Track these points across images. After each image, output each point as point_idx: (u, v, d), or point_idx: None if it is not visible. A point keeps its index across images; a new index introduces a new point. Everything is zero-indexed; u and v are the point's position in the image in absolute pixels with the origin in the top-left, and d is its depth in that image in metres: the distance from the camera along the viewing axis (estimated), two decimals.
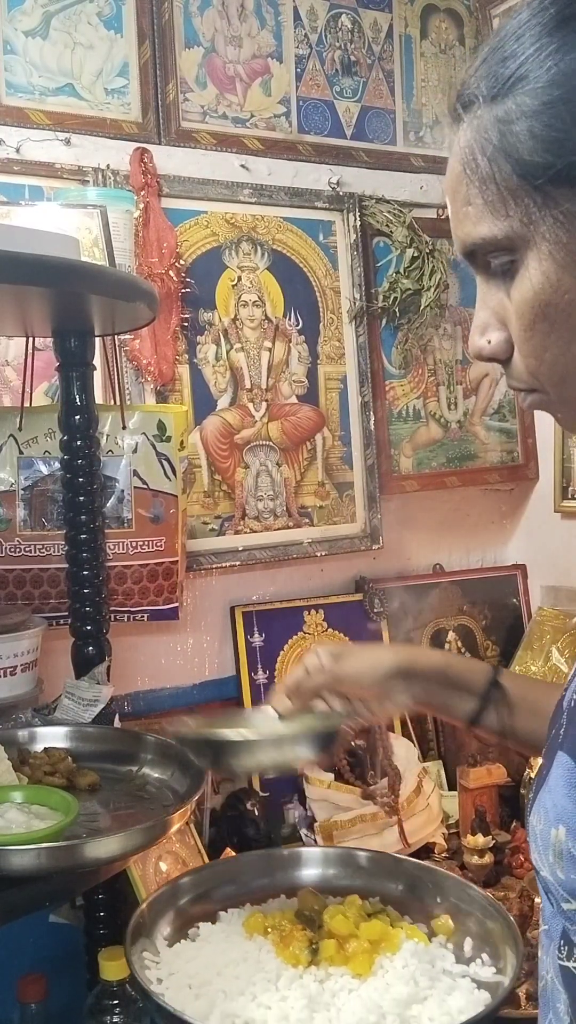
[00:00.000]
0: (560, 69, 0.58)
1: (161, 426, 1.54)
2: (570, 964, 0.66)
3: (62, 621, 1.42)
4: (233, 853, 1.51)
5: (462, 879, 1.14)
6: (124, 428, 1.52)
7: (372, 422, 1.97)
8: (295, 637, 1.89)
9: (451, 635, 2.08)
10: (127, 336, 1.66)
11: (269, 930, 1.06)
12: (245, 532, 1.83)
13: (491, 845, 1.66)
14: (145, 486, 1.53)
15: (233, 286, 1.83)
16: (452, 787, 1.88)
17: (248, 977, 0.98)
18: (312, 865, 1.19)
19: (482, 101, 0.62)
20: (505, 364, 0.67)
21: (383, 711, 1.05)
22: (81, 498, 1.35)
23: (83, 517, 1.35)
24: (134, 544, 1.53)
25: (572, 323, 0.61)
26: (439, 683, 1.01)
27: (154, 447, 1.53)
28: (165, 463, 1.54)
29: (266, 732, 1.04)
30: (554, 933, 0.68)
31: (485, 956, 1.01)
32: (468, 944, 1.04)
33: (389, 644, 1.04)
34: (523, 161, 0.59)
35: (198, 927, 1.08)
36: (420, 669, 1.01)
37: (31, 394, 1.49)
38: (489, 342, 0.66)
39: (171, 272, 1.71)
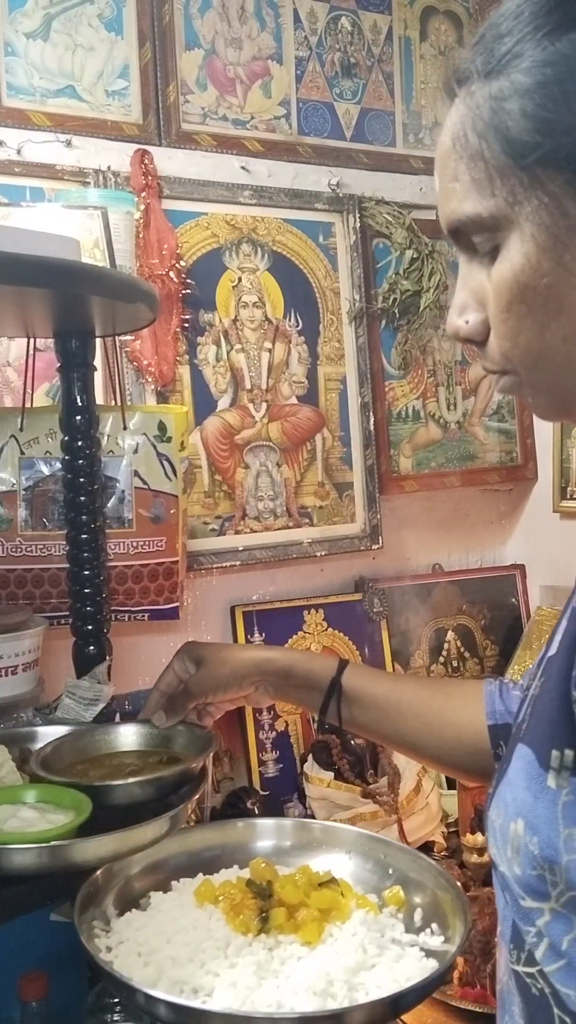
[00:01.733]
0: (556, 49, 0.57)
1: (162, 427, 1.54)
2: (520, 968, 0.65)
3: (63, 621, 1.43)
4: None
5: (414, 850, 1.14)
6: (125, 429, 1.52)
7: (372, 422, 1.98)
8: (295, 637, 1.90)
9: (450, 635, 2.09)
10: (128, 337, 1.67)
11: (220, 899, 1.05)
12: (245, 532, 1.84)
13: None
14: (146, 486, 1.54)
15: (233, 287, 1.83)
16: (451, 786, 1.88)
17: (197, 944, 0.99)
18: (267, 837, 1.20)
19: (476, 77, 0.62)
20: (480, 346, 0.67)
21: (254, 703, 1.17)
22: (82, 498, 1.35)
23: (84, 517, 1.36)
24: (135, 544, 1.54)
25: (548, 307, 0.61)
26: (288, 683, 1.10)
27: (155, 447, 1.54)
28: (166, 463, 1.54)
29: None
30: (506, 935, 0.68)
31: (435, 926, 1.02)
32: (418, 914, 1.05)
33: (246, 645, 1.17)
34: (513, 140, 0.59)
35: (150, 896, 1.09)
36: (269, 670, 1.10)
37: (32, 395, 1.49)
38: (467, 322, 0.66)
39: (171, 273, 1.72)
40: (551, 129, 0.57)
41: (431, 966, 0.96)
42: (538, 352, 0.63)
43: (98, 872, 1.07)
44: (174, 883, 1.11)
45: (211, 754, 1.17)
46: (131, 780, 1.05)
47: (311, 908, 1.03)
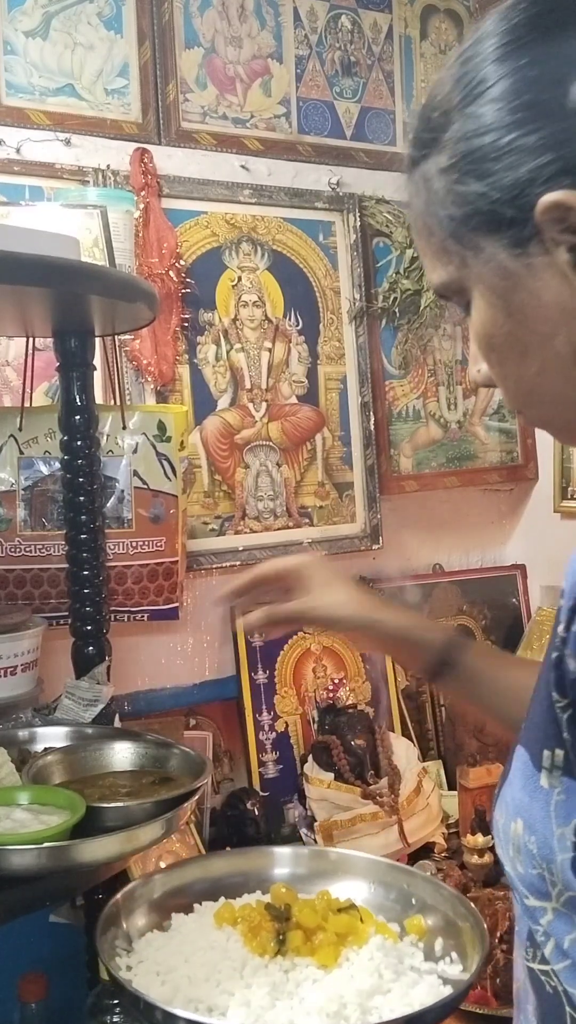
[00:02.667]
0: (464, 130, 0.63)
1: (161, 426, 1.54)
2: (535, 965, 0.66)
3: (62, 621, 1.42)
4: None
5: (436, 880, 1.15)
6: (124, 428, 1.52)
7: (372, 422, 1.97)
8: (295, 637, 1.89)
9: None
10: (127, 336, 1.67)
11: (239, 921, 1.07)
12: (245, 532, 1.83)
13: (491, 845, 1.66)
14: (145, 486, 1.53)
15: (233, 286, 1.83)
16: (452, 787, 1.88)
17: (214, 965, 1.00)
18: (290, 864, 1.21)
19: (411, 163, 0.69)
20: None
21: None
22: (81, 498, 1.35)
23: (83, 517, 1.35)
24: (134, 544, 1.53)
25: (516, 350, 0.66)
26: (401, 645, 1.06)
27: (154, 447, 1.53)
28: (165, 463, 1.54)
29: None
30: (522, 934, 0.69)
31: (454, 955, 1.03)
32: (439, 943, 1.05)
33: (359, 589, 1.10)
34: (445, 215, 0.65)
35: (171, 917, 1.10)
36: (384, 629, 1.05)
37: (31, 394, 1.49)
38: (479, 371, 0.72)
39: (171, 272, 1.71)
40: (471, 200, 0.63)
41: (446, 992, 0.96)
42: (526, 391, 0.69)
43: (119, 894, 1.08)
44: (196, 906, 1.12)
45: (207, 780, 1.17)
46: (139, 801, 1.05)
47: (328, 932, 1.04)
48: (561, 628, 0.61)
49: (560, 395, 0.66)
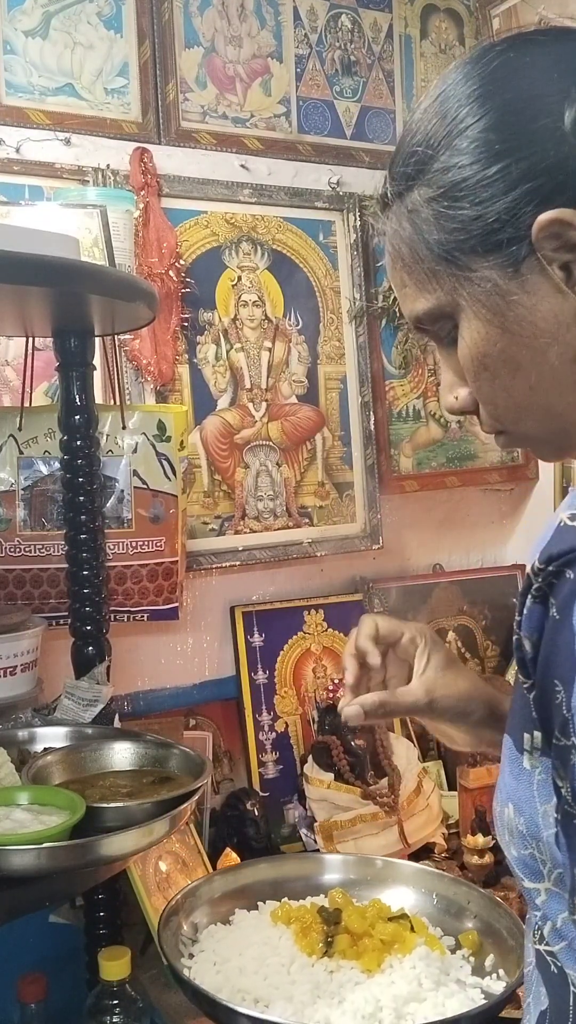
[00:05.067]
0: (453, 161, 0.68)
1: (161, 426, 1.54)
2: (540, 947, 0.68)
3: (62, 621, 1.42)
4: (233, 853, 1.51)
5: (495, 897, 1.18)
6: (124, 428, 1.52)
7: (372, 422, 1.97)
8: (295, 637, 1.89)
9: (451, 635, 2.09)
10: (127, 336, 1.66)
11: (292, 920, 1.13)
12: (245, 532, 1.83)
13: (491, 845, 1.66)
14: (145, 486, 1.53)
15: (233, 286, 1.83)
16: (452, 787, 1.88)
17: (264, 959, 1.07)
18: (354, 871, 1.27)
19: (392, 199, 0.73)
20: (476, 414, 0.76)
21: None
22: (81, 498, 1.35)
23: (83, 517, 1.35)
24: (134, 544, 1.53)
25: (509, 367, 0.69)
26: (487, 719, 0.97)
27: (154, 447, 1.53)
28: (165, 463, 1.54)
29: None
30: (531, 918, 0.71)
31: (501, 971, 1.07)
32: (490, 959, 1.10)
33: (474, 681, 0.98)
34: (433, 242, 0.69)
35: (235, 912, 1.18)
36: (502, 713, 0.92)
37: (31, 394, 1.49)
38: (456, 398, 0.76)
39: (171, 272, 1.71)
40: (464, 224, 0.67)
41: (479, 1003, 1.00)
42: (516, 408, 0.72)
43: (185, 888, 1.16)
44: (260, 904, 1.20)
45: (207, 780, 1.20)
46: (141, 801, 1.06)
47: (375, 938, 1.09)
48: (516, 613, 0.64)
49: (550, 409, 0.70)
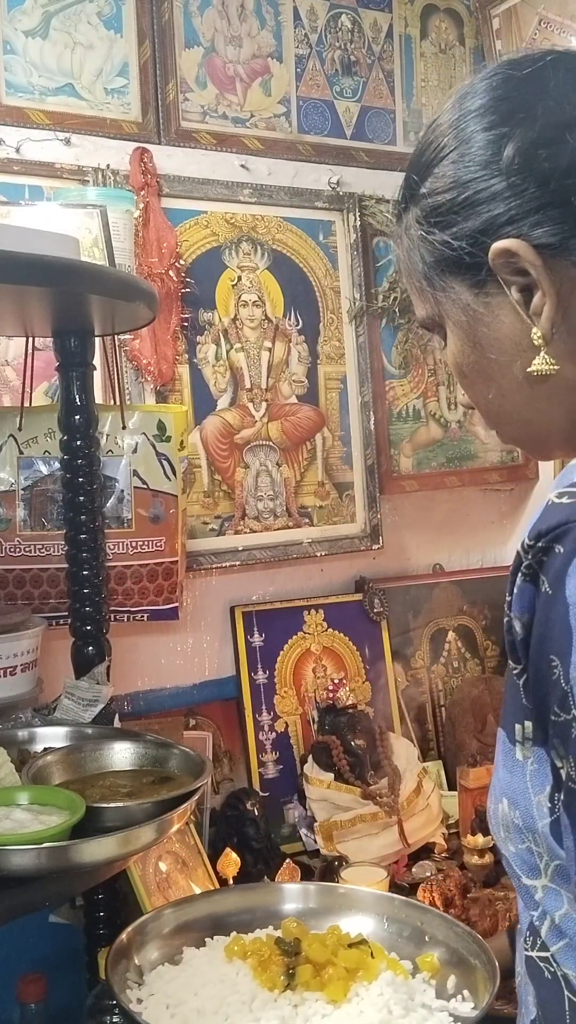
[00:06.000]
0: (432, 187, 0.73)
1: (161, 426, 1.53)
2: (534, 953, 0.68)
3: (62, 621, 1.42)
4: (233, 853, 1.51)
5: (450, 918, 1.16)
6: (124, 428, 1.52)
7: (372, 422, 1.97)
8: (295, 637, 1.89)
9: (451, 635, 2.09)
10: (127, 336, 1.66)
11: (249, 955, 1.08)
12: (245, 532, 1.83)
13: (491, 845, 1.66)
14: (145, 486, 1.53)
15: (233, 286, 1.83)
16: (452, 787, 1.88)
17: (223, 999, 1.01)
18: (301, 900, 1.23)
19: (398, 215, 0.79)
20: None
21: None
22: (81, 498, 1.35)
23: (83, 517, 1.35)
24: (134, 544, 1.53)
25: (482, 378, 0.75)
26: None
27: (154, 447, 1.53)
28: (165, 463, 1.54)
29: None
30: (523, 924, 0.71)
31: (466, 992, 1.03)
32: (451, 982, 1.06)
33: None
34: (420, 258, 0.75)
35: (183, 951, 1.11)
36: None
37: (31, 394, 1.49)
38: (464, 394, 0.81)
39: (171, 272, 1.71)
40: (438, 247, 0.73)
41: None
42: (494, 413, 0.77)
43: (130, 927, 1.10)
44: (208, 940, 1.14)
45: (207, 780, 1.17)
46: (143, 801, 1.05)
47: (338, 966, 1.04)
48: (507, 594, 0.65)
49: (522, 416, 0.75)
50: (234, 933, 1.13)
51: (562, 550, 0.60)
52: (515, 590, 0.64)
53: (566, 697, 0.59)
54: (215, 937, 1.14)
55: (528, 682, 0.64)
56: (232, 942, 1.10)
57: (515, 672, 0.65)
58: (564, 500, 0.63)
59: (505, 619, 0.65)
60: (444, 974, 1.07)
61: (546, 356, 0.70)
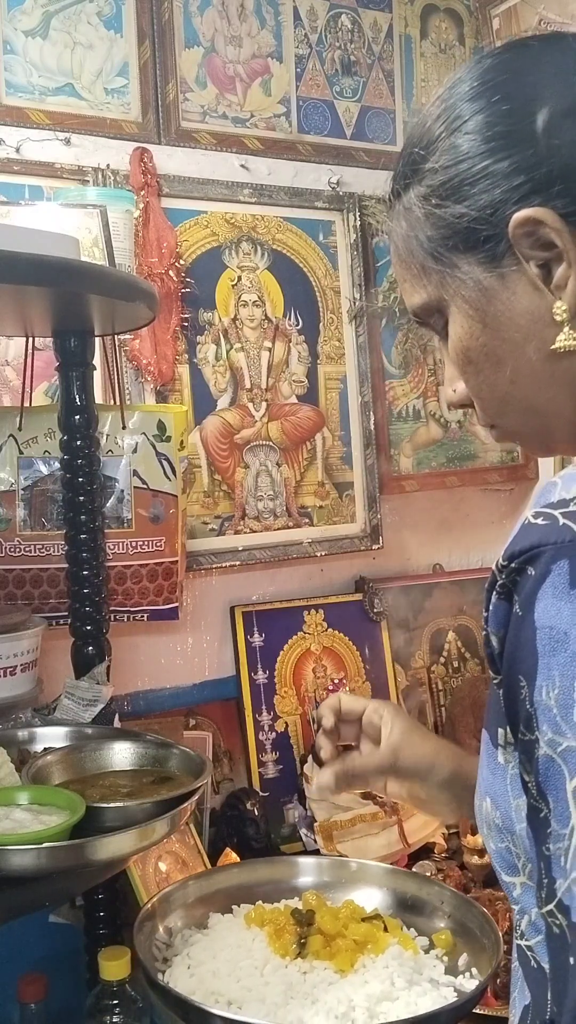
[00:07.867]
0: (444, 160, 0.71)
1: (161, 426, 1.53)
2: (522, 942, 0.69)
3: (62, 621, 1.42)
4: (233, 853, 1.51)
5: (468, 898, 1.18)
6: (124, 428, 1.52)
7: (372, 422, 1.97)
8: (295, 637, 1.89)
9: (451, 635, 2.09)
10: (127, 336, 1.66)
11: (266, 923, 1.13)
12: (245, 532, 1.83)
13: None
14: (145, 486, 1.53)
15: (233, 286, 1.83)
16: None
17: (237, 962, 1.07)
18: (326, 874, 1.27)
19: (394, 196, 0.77)
20: (471, 408, 0.79)
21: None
22: (81, 498, 1.35)
23: (83, 517, 1.35)
24: (134, 544, 1.53)
25: (491, 361, 0.72)
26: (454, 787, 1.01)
27: (154, 447, 1.53)
28: (165, 463, 1.54)
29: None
30: (515, 914, 0.72)
31: (474, 970, 1.07)
32: (463, 959, 1.10)
33: (440, 743, 1.05)
34: (424, 238, 0.73)
35: (209, 916, 1.18)
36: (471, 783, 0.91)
37: (31, 394, 1.49)
38: (455, 391, 0.79)
39: (171, 272, 1.71)
40: (450, 221, 0.70)
41: (451, 1000, 1.00)
42: (499, 402, 0.74)
43: (156, 896, 1.16)
44: (234, 907, 1.20)
45: (207, 780, 1.20)
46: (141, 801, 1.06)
47: (347, 939, 1.10)
48: (483, 609, 0.66)
49: (531, 403, 0.72)
50: (259, 902, 1.19)
51: (533, 573, 0.61)
52: (490, 607, 0.64)
53: (530, 719, 0.60)
54: (241, 905, 1.20)
55: (504, 694, 0.64)
56: (253, 910, 1.16)
57: (495, 682, 0.66)
58: (539, 521, 0.63)
59: (483, 632, 0.66)
60: (457, 951, 1.11)
61: (570, 331, 0.67)
